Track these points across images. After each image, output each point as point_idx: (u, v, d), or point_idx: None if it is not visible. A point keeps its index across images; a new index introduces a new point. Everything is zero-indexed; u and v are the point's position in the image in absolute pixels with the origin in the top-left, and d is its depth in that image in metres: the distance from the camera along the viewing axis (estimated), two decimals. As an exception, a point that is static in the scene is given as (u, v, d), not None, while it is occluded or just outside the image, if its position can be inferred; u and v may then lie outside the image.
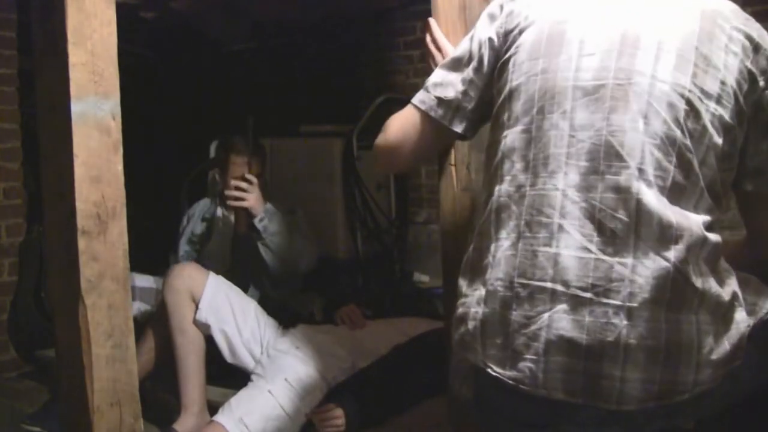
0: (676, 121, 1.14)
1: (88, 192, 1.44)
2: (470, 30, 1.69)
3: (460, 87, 1.39)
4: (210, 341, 2.58)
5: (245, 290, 2.84)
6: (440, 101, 1.41)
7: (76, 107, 1.41)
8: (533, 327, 1.14)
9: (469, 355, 1.22)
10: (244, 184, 2.79)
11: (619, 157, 1.13)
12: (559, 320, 1.13)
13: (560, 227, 1.14)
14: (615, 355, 1.11)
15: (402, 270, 3.83)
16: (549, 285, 1.14)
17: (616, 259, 1.11)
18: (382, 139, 1.47)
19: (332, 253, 3.49)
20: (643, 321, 1.10)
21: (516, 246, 1.18)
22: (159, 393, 2.65)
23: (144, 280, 3.10)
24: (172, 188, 3.80)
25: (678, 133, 1.14)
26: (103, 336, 1.46)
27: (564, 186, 1.15)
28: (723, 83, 1.17)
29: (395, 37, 4.21)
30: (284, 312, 2.81)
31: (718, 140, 1.17)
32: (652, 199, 1.12)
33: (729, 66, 1.17)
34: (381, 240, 3.78)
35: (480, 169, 1.75)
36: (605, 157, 1.14)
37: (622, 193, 1.12)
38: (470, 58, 1.39)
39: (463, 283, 1.27)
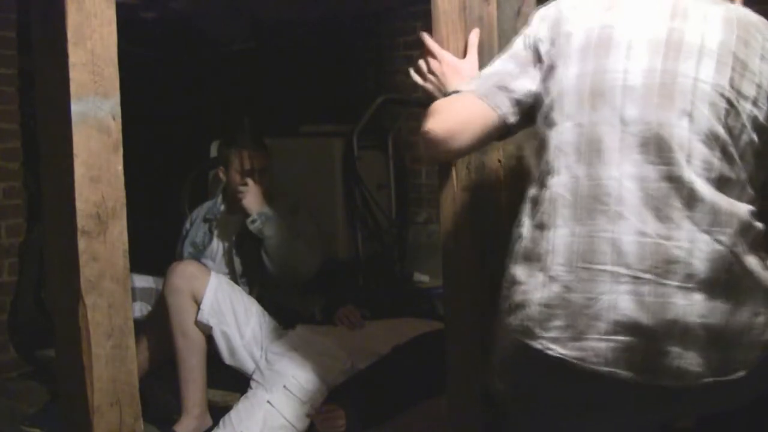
0: (718, 118, 1.22)
1: (88, 192, 1.44)
2: (469, 27, 1.71)
3: (521, 83, 1.41)
4: (210, 342, 2.58)
5: (249, 289, 2.84)
6: (498, 91, 1.42)
7: (76, 107, 1.42)
8: (596, 308, 1.19)
9: (528, 339, 1.25)
10: (245, 187, 2.80)
11: (670, 149, 1.21)
12: (622, 301, 1.18)
13: (618, 214, 1.21)
14: (675, 334, 1.17)
15: (402, 270, 3.83)
16: (610, 268, 1.20)
17: (673, 243, 1.18)
18: (436, 124, 1.44)
19: (332, 253, 3.49)
20: (701, 301, 1.17)
21: (575, 233, 1.24)
22: (159, 393, 2.65)
23: (144, 280, 3.10)
24: (172, 188, 3.80)
25: (721, 129, 1.22)
26: (103, 336, 1.46)
27: (619, 176, 1.22)
28: (759, 86, 1.25)
29: (395, 37, 4.21)
30: (284, 312, 2.81)
31: (755, 138, 1.25)
32: (704, 187, 1.19)
33: (764, 72, 1.26)
34: (381, 240, 3.78)
35: (480, 170, 1.75)
36: (656, 149, 1.21)
37: (675, 182, 1.20)
38: (527, 58, 1.41)
39: (518, 272, 1.30)
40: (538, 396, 1.30)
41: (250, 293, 2.82)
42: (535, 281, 1.26)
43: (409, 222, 4.11)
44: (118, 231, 1.48)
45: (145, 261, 2.48)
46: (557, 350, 1.21)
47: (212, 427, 2.48)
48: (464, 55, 1.70)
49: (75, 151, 1.42)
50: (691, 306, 1.17)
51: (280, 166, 3.23)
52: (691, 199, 1.19)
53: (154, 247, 3.08)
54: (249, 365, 2.58)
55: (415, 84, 1.70)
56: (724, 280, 1.19)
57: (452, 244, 1.77)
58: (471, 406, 1.77)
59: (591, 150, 1.25)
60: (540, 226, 1.29)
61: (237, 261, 2.93)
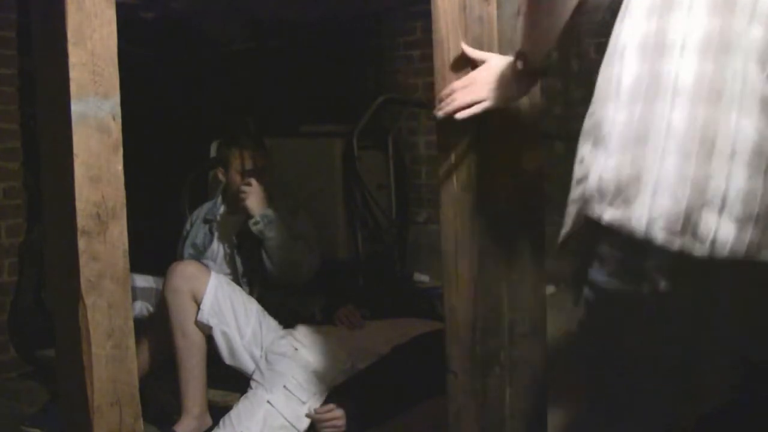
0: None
1: (88, 192, 1.44)
2: (469, 27, 1.71)
3: None
4: (210, 342, 2.58)
5: (249, 289, 2.84)
6: None
7: (76, 107, 1.42)
8: (644, 180, 1.29)
9: (586, 208, 1.37)
10: (248, 188, 2.79)
11: (728, 46, 1.29)
12: (667, 172, 1.28)
13: (673, 100, 1.30)
14: (714, 204, 1.25)
15: (402, 270, 3.83)
16: (661, 144, 1.29)
17: (722, 126, 1.26)
18: None
19: (332, 253, 3.49)
20: (743, 178, 1.25)
21: (633, 116, 1.33)
22: (159, 393, 2.65)
23: (144, 280, 3.10)
24: (172, 188, 3.80)
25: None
26: (103, 336, 1.46)
27: (677, 68, 1.30)
28: None
29: (395, 37, 4.21)
30: (284, 312, 2.81)
31: None
32: (755, 76, 1.27)
33: None
34: (381, 240, 3.78)
35: (480, 170, 1.75)
36: (717, 51, 1.29)
37: (730, 69, 1.28)
38: None
39: (585, 147, 1.42)
40: (591, 263, 1.39)
41: (251, 293, 2.82)
42: (596, 158, 1.37)
43: (409, 222, 4.11)
44: (118, 231, 1.48)
45: (145, 261, 2.48)
46: (606, 216, 1.32)
47: (212, 427, 2.48)
48: (468, 60, 1.71)
49: (75, 151, 1.42)
50: (732, 181, 1.25)
51: (280, 166, 3.23)
52: (744, 82, 1.27)
53: (154, 247, 3.08)
54: (249, 365, 2.58)
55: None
56: (767, 164, 1.26)
57: (452, 244, 1.77)
58: (471, 406, 1.77)
59: (654, 53, 1.33)
60: (602, 109, 1.39)
61: (238, 261, 2.93)
